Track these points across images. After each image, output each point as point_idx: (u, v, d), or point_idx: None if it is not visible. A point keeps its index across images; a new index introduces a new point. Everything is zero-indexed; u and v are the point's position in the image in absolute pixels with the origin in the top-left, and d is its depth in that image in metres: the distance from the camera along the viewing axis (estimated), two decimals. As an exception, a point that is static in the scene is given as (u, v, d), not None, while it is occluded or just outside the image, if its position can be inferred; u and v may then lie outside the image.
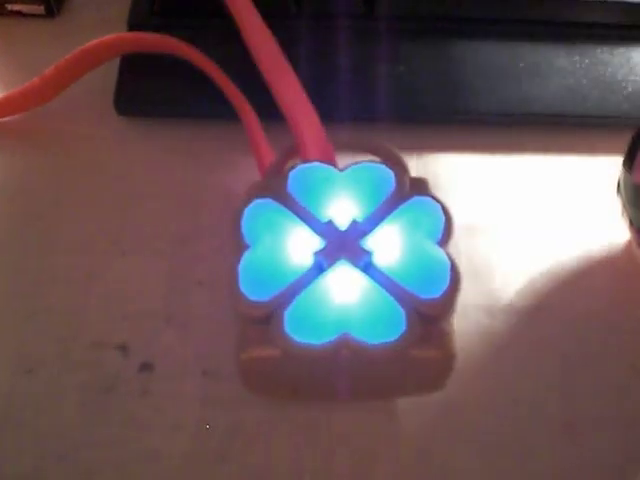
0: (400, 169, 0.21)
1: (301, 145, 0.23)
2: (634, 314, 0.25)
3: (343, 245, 0.19)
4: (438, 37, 0.30)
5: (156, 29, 0.28)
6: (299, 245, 0.20)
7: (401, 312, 0.18)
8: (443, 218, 0.20)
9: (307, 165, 0.21)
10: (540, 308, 0.25)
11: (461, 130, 0.29)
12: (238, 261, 0.19)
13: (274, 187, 0.21)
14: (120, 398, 0.22)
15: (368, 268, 0.19)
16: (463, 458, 0.22)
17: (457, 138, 0.29)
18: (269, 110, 0.24)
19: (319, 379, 0.21)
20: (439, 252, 0.20)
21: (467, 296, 0.21)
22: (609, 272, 0.25)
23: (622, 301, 0.25)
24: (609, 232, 0.26)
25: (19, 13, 0.31)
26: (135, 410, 0.22)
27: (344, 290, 0.19)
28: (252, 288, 0.19)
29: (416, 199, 0.20)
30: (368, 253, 0.19)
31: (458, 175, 0.28)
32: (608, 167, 0.27)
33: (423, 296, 0.19)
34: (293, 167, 0.21)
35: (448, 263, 0.19)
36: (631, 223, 0.24)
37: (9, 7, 0.31)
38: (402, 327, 0.18)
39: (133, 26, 0.30)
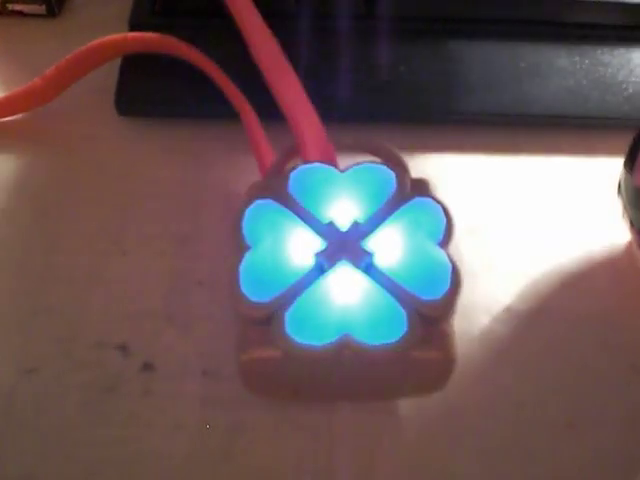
0: (401, 170, 0.21)
1: (302, 145, 0.23)
2: (635, 315, 0.25)
3: (344, 246, 0.19)
4: (439, 37, 0.30)
5: (157, 29, 0.28)
6: (300, 246, 0.20)
7: (402, 313, 0.18)
8: (444, 219, 0.20)
9: (308, 166, 0.21)
10: (541, 309, 0.25)
11: (462, 130, 0.29)
12: (239, 262, 0.19)
13: (275, 188, 0.21)
14: (121, 398, 0.22)
15: (369, 269, 0.19)
16: (464, 460, 0.22)
17: (458, 139, 0.29)
18: (269, 110, 0.24)
19: (320, 380, 0.21)
20: (440, 253, 0.20)
21: (467, 297, 0.21)
22: (610, 273, 0.25)
23: (623, 302, 0.25)
24: (610, 233, 0.26)
25: (20, 13, 0.31)
26: (136, 410, 0.22)
27: (345, 291, 0.19)
28: (253, 289, 0.19)
29: (417, 200, 0.20)
30: (369, 254, 0.19)
31: (459, 176, 0.28)
32: (608, 168, 0.27)
33: (424, 297, 0.19)
34: (294, 168, 0.21)
35: (449, 264, 0.19)
36: (632, 224, 0.24)
37: (10, 7, 0.31)
38: (403, 328, 0.18)
39: (134, 26, 0.30)
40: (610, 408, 0.23)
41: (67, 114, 0.29)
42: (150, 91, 0.28)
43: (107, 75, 0.29)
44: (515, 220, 0.27)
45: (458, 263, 0.19)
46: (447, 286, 0.19)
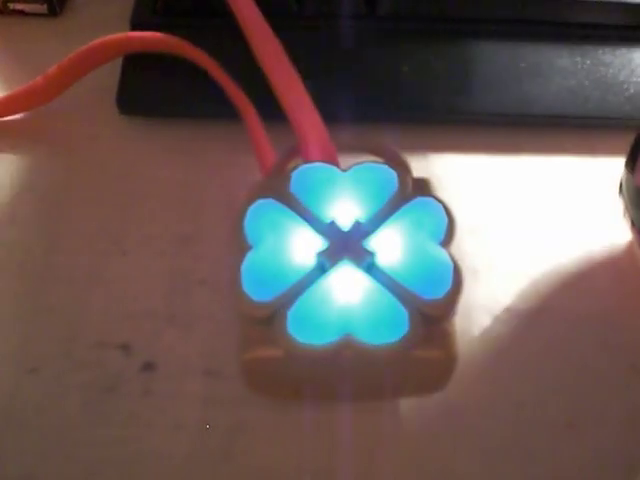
0: (403, 169, 0.21)
1: (303, 145, 0.23)
2: (635, 315, 0.25)
3: (346, 246, 0.19)
4: (440, 37, 0.30)
5: (159, 28, 0.28)
6: (302, 245, 0.20)
7: (404, 313, 0.18)
8: (446, 219, 0.20)
9: (310, 165, 0.21)
10: (541, 309, 0.25)
11: (463, 130, 0.29)
12: (240, 261, 0.19)
13: (276, 187, 0.21)
14: (122, 398, 0.22)
15: (370, 269, 0.19)
16: (464, 460, 0.22)
17: (459, 138, 0.29)
18: (271, 110, 0.24)
19: (321, 379, 0.21)
20: (441, 253, 0.20)
21: (468, 297, 0.21)
22: (611, 273, 0.25)
23: (624, 302, 0.25)
24: (611, 233, 0.26)
25: (22, 12, 0.31)
26: (137, 410, 0.22)
27: (347, 291, 0.19)
28: (255, 288, 0.19)
29: (419, 200, 0.20)
30: (371, 253, 0.19)
31: (460, 176, 0.28)
32: (610, 168, 0.27)
33: (425, 296, 0.19)
34: (295, 167, 0.21)
35: (451, 264, 0.19)
36: (633, 224, 0.24)
37: (11, 6, 0.31)
38: (405, 328, 0.18)
39: (136, 25, 0.30)
40: (610, 408, 0.23)
41: (68, 113, 0.29)
42: (152, 90, 0.28)
43: (109, 74, 0.29)
44: (516, 220, 0.27)
45: (459, 263, 0.19)
46: (448, 286, 0.19)
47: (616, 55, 0.30)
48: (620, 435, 0.22)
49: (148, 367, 0.23)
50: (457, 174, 0.28)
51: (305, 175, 0.21)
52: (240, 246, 0.20)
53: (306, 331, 0.18)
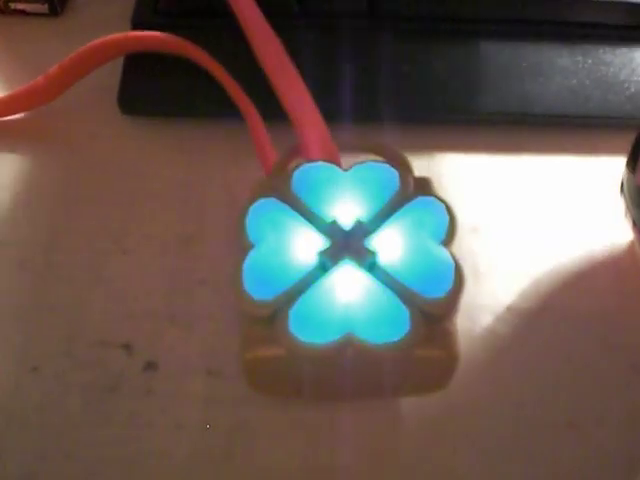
0: (404, 169, 0.21)
1: (305, 145, 0.23)
2: (636, 315, 0.25)
3: (347, 245, 0.19)
4: (441, 37, 0.30)
5: (160, 28, 0.28)
6: (303, 245, 0.20)
7: (405, 312, 0.18)
8: (447, 218, 0.20)
9: (311, 165, 0.21)
10: (542, 308, 0.25)
11: (464, 130, 0.29)
12: (242, 260, 0.19)
13: (278, 186, 0.21)
14: (124, 397, 0.22)
15: (372, 268, 0.19)
16: (465, 459, 0.22)
17: (460, 138, 0.29)
18: (272, 109, 0.24)
19: (323, 379, 0.21)
20: (443, 252, 0.20)
21: (469, 296, 0.21)
22: (612, 273, 0.25)
23: (624, 302, 0.25)
24: (612, 233, 0.26)
25: (23, 12, 0.31)
26: (139, 409, 0.22)
27: (348, 290, 0.19)
28: (256, 287, 0.19)
29: (420, 199, 0.20)
30: (372, 253, 0.19)
31: (461, 175, 0.28)
32: (611, 168, 0.27)
33: (427, 295, 0.19)
34: (297, 167, 0.21)
35: (452, 263, 0.19)
36: (634, 224, 0.24)
37: (12, 6, 0.31)
38: (406, 327, 0.18)
39: (137, 25, 0.30)
40: (611, 408, 0.23)
41: (70, 113, 0.29)
42: (153, 90, 0.28)
43: (110, 74, 0.29)
44: (517, 219, 0.27)
45: (460, 262, 0.19)
46: (450, 285, 0.19)
47: (617, 54, 0.30)
48: (620, 435, 0.22)
49: (150, 367, 0.23)
50: (458, 173, 0.28)
51: (306, 174, 0.21)
52: (242, 245, 0.20)
53: (307, 330, 0.18)
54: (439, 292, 0.19)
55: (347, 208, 0.21)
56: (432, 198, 0.20)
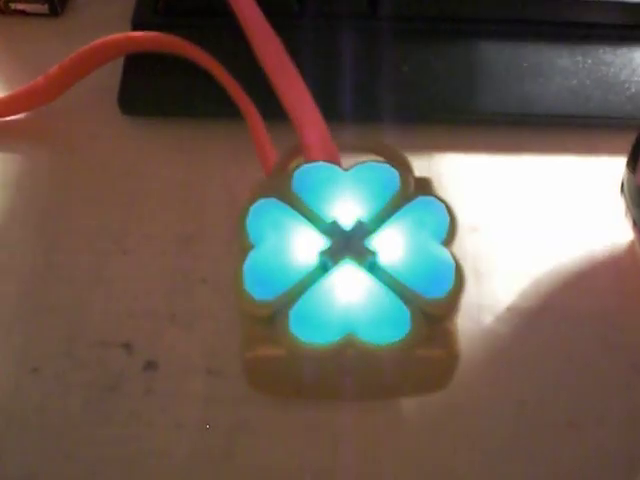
0: (404, 169, 0.21)
1: (305, 145, 0.23)
2: (637, 314, 0.25)
3: (348, 245, 0.19)
4: (441, 37, 0.30)
5: (160, 28, 0.28)
6: (304, 245, 0.20)
7: (406, 312, 0.18)
8: (447, 218, 0.20)
9: (312, 165, 0.21)
10: (543, 308, 0.25)
11: (464, 130, 0.29)
12: (242, 260, 0.19)
13: (278, 186, 0.21)
14: (124, 397, 0.22)
15: (373, 268, 0.19)
16: (465, 459, 0.22)
17: (460, 138, 0.29)
18: (273, 109, 0.24)
19: (323, 379, 0.21)
20: (443, 252, 0.20)
21: (470, 296, 0.21)
22: (612, 273, 0.25)
23: (625, 302, 0.25)
24: (612, 233, 0.26)
25: (23, 12, 0.31)
26: (138, 409, 0.22)
27: (349, 290, 0.19)
28: (257, 287, 0.19)
29: (420, 199, 0.20)
30: (373, 253, 0.19)
31: (462, 175, 0.28)
32: (611, 168, 0.27)
33: (428, 296, 0.19)
34: (297, 167, 0.21)
35: (452, 263, 0.19)
36: (634, 224, 0.24)
37: (13, 6, 0.31)
38: (407, 327, 0.18)
39: (137, 25, 0.30)
40: (611, 407, 0.23)
41: (70, 113, 0.29)
42: (153, 90, 0.28)
43: (110, 74, 0.29)
44: (517, 219, 0.27)
45: (461, 262, 0.19)
46: (450, 285, 0.19)
47: (617, 54, 0.30)
48: (621, 434, 0.22)
49: (150, 366, 0.23)
50: (459, 173, 0.28)
51: (307, 174, 0.21)
52: (242, 245, 0.20)
53: (308, 330, 0.18)
54: (440, 292, 0.19)
55: (347, 208, 0.21)
56: (432, 198, 0.20)
